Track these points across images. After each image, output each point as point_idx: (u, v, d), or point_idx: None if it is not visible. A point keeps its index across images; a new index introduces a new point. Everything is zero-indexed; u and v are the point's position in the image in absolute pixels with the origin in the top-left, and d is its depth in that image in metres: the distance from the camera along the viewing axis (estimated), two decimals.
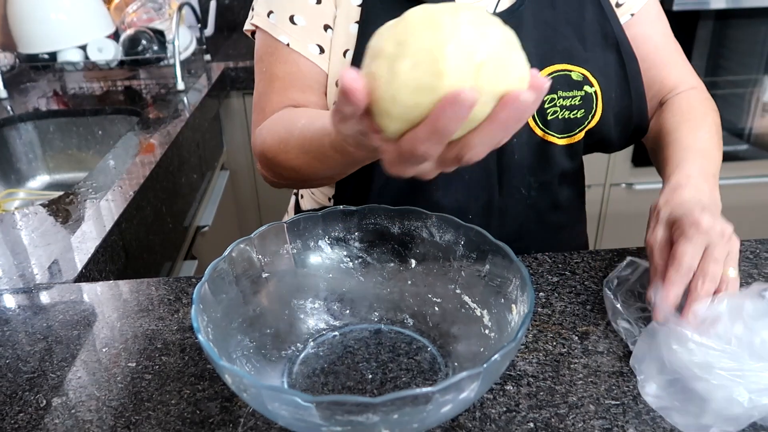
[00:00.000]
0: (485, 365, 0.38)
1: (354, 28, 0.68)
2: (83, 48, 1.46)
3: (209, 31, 1.96)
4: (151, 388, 0.51)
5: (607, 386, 0.50)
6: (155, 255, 1.03)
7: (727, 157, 2.18)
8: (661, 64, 0.77)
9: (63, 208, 0.87)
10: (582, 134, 0.72)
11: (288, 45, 0.70)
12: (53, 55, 1.45)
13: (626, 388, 0.49)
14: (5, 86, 1.46)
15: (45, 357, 0.56)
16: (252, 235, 0.54)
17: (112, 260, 0.79)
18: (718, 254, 0.52)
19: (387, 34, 0.38)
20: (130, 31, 1.49)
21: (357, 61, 0.67)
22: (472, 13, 0.37)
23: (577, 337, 0.55)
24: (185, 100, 1.41)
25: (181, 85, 1.46)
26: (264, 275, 0.55)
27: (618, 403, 0.48)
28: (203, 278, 0.48)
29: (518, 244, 0.60)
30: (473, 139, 0.37)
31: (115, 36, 1.55)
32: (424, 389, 0.36)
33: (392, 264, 0.59)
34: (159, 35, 1.51)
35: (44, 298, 0.65)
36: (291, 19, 0.70)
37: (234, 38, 1.99)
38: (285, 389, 0.50)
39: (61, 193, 0.92)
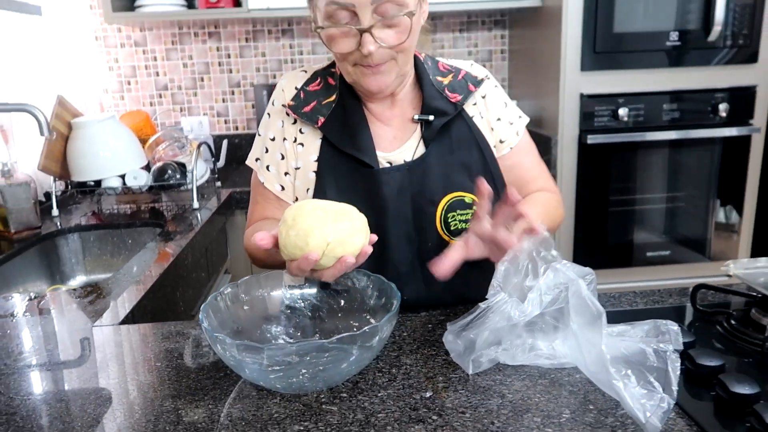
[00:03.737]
0: (358, 332, 0.69)
1: (312, 176, 1.06)
2: (122, 177, 1.86)
3: (221, 163, 2.40)
4: (171, 375, 0.81)
5: (455, 368, 0.80)
6: None
7: (686, 260, 2.49)
8: (529, 180, 1.14)
9: (106, 287, 1.20)
10: None
11: (263, 184, 1.10)
12: (98, 182, 1.85)
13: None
14: (57, 206, 1.85)
15: (103, 362, 0.86)
16: (238, 282, 0.87)
17: (143, 318, 1.11)
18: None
19: (293, 211, 0.78)
20: (159, 164, 1.90)
21: (316, 196, 1.05)
22: (340, 214, 0.78)
23: (441, 344, 0.86)
24: (198, 216, 1.79)
25: (196, 205, 1.85)
26: (245, 307, 0.87)
27: (457, 376, 0.78)
28: (206, 302, 0.80)
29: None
30: (324, 273, 0.79)
31: (147, 167, 1.96)
32: (320, 340, 0.67)
33: (329, 304, 0.91)
34: (181, 167, 1.92)
35: (99, 334, 0.97)
36: (267, 167, 1.10)
37: (240, 169, 2.43)
38: (249, 343, 0.80)
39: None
